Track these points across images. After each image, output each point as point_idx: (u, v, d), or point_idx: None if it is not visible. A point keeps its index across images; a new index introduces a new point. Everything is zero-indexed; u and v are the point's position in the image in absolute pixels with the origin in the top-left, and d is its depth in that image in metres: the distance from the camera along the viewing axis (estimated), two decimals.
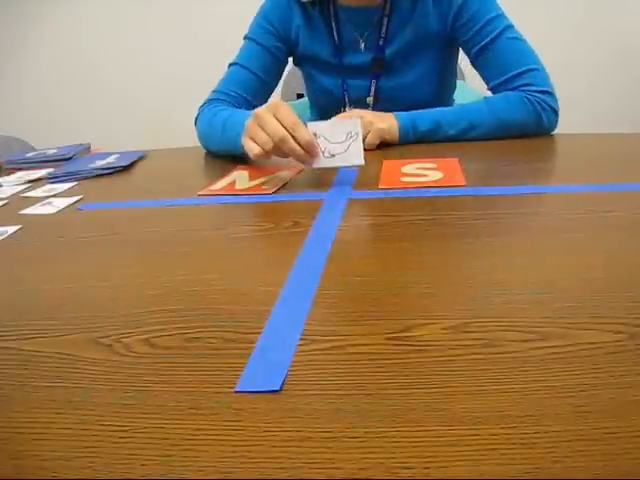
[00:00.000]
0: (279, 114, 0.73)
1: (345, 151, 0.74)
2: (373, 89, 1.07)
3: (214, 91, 1.05)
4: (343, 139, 0.74)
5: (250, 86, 1.04)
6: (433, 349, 0.37)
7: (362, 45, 1.05)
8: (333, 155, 0.74)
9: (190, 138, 1.07)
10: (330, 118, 0.97)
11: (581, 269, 0.47)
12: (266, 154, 0.75)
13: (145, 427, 0.32)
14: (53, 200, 0.80)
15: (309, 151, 0.74)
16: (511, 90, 0.95)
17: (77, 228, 0.68)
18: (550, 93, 0.95)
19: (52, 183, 0.90)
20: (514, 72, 0.95)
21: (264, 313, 0.43)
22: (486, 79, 1.00)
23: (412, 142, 0.95)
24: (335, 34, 1.05)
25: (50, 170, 0.98)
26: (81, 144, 1.16)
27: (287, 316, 0.42)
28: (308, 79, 1.16)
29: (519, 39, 0.96)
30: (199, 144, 1.04)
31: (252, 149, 0.76)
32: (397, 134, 0.94)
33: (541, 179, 0.76)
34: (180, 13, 2.31)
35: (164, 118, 2.28)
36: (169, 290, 0.49)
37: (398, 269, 0.50)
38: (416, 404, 0.32)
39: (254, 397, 0.33)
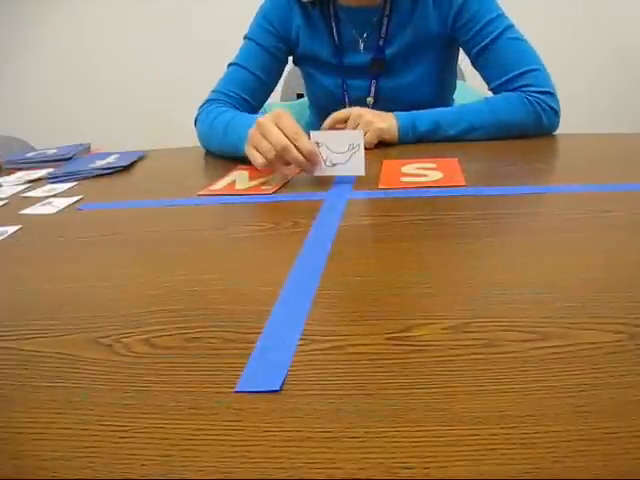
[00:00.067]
0: (281, 123, 0.74)
1: (347, 161, 0.75)
2: (373, 89, 1.07)
3: (213, 91, 1.05)
4: (345, 149, 0.74)
5: (249, 86, 1.05)
6: (433, 349, 0.37)
7: (362, 45, 1.05)
8: (334, 164, 0.75)
9: (190, 138, 1.07)
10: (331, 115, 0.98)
11: (581, 269, 0.47)
12: (269, 163, 0.76)
13: (145, 427, 0.32)
14: (53, 200, 0.80)
15: (311, 160, 0.74)
16: (512, 91, 0.95)
17: (77, 228, 0.68)
18: (551, 93, 0.94)
19: (52, 183, 0.90)
20: (515, 73, 0.95)
21: (264, 313, 0.43)
22: (487, 80, 1.00)
23: (411, 142, 0.95)
24: (335, 34, 1.05)
25: (50, 170, 0.98)
26: (81, 144, 1.16)
27: (287, 316, 0.42)
28: (308, 79, 1.16)
29: (520, 39, 0.96)
30: (199, 144, 1.04)
31: (256, 159, 0.77)
32: (396, 134, 0.95)
33: (541, 179, 0.76)
34: (180, 13, 2.31)
35: (164, 118, 2.28)
36: (169, 290, 0.49)
37: (398, 269, 0.50)
38: (416, 404, 0.32)
39: (254, 397, 0.33)
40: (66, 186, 0.87)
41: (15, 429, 0.32)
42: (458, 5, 0.97)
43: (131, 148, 1.10)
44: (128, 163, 0.97)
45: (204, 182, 0.82)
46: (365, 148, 0.75)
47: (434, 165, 0.80)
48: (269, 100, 1.13)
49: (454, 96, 1.22)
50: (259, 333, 0.40)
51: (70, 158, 1.07)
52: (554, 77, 0.96)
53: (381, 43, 1.03)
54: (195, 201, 0.75)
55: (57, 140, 1.34)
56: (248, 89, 1.04)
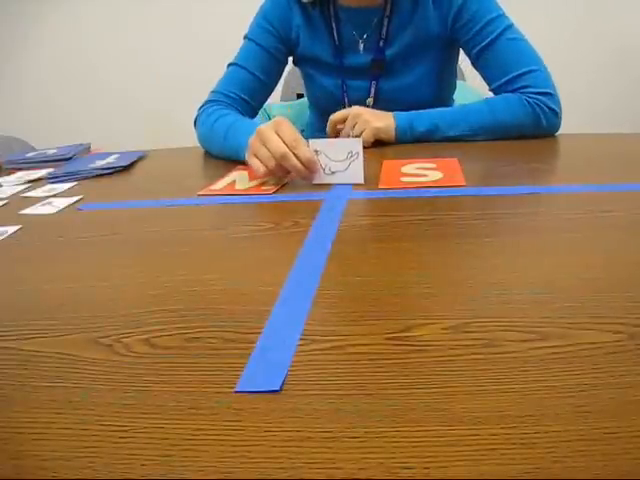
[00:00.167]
0: (281, 131, 0.75)
1: (345, 169, 0.75)
2: (373, 90, 1.07)
3: (213, 92, 1.05)
4: (344, 157, 0.75)
5: (249, 86, 1.05)
6: (433, 349, 0.37)
7: (362, 46, 1.05)
8: (333, 172, 0.76)
9: (190, 138, 1.07)
10: (330, 117, 0.98)
11: (581, 269, 0.47)
12: (270, 172, 0.76)
13: (145, 427, 0.32)
14: (53, 200, 0.80)
15: (309, 168, 0.75)
16: (511, 92, 0.95)
17: (77, 228, 0.68)
18: (551, 94, 0.94)
19: (52, 183, 0.90)
20: (514, 73, 0.95)
21: (264, 313, 0.43)
22: (487, 80, 1.00)
23: (409, 142, 0.95)
24: (335, 35, 1.05)
25: (50, 170, 0.98)
26: (81, 144, 1.16)
27: (287, 316, 0.42)
28: (308, 80, 1.16)
29: (520, 39, 0.96)
30: (199, 144, 1.04)
31: (258, 168, 0.77)
32: (394, 133, 0.95)
33: (541, 179, 0.76)
34: (180, 13, 2.31)
35: (164, 118, 2.28)
36: (169, 290, 0.49)
37: (398, 269, 0.50)
38: (416, 404, 0.32)
39: (254, 397, 0.33)
40: (66, 186, 0.87)
41: (15, 429, 0.32)
42: (458, 5, 0.97)
43: (131, 148, 1.10)
44: (128, 163, 0.97)
45: (204, 182, 0.82)
46: (363, 147, 0.75)
47: (434, 165, 0.80)
48: (269, 100, 1.13)
49: (454, 96, 1.22)
50: (259, 333, 0.40)
51: (70, 158, 1.07)
52: (554, 77, 0.96)
53: (381, 44, 1.03)
54: (195, 201, 0.75)
55: (57, 140, 1.34)
56: (248, 89, 1.04)
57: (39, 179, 0.94)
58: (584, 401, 0.31)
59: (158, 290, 0.49)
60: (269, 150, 0.74)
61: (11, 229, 0.68)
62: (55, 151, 1.12)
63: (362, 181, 0.75)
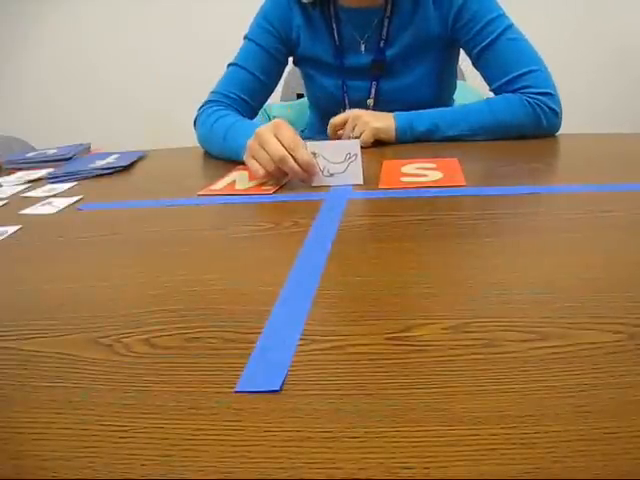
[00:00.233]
0: (279, 133, 0.75)
1: (344, 171, 0.75)
2: (373, 91, 1.07)
3: (213, 92, 1.05)
4: (342, 159, 0.75)
5: (249, 87, 1.04)
6: (433, 349, 0.37)
7: (362, 47, 1.05)
8: (332, 174, 0.76)
9: (190, 138, 1.07)
10: (330, 119, 0.98)
11: (581, 269, 0.47)
12: (268, 174, 0.76)
13: (145, 427, 0.32)
14: (53, 200, 0.80)
15: (308, 171, 0.74)
16: (512, 92, 0.95)
17: (77, 228, 0.68)
18: (551, 94, 0.94)
19: (52, 183, 0.90)
20: (515, 74, 0.95)
21: (264, 313, 0.43)
22: (488, 80, 1.00)
23: (410, 142, 0.95)
24: (336, 35, 1.05)
25: (50, 170, 0.98)
26: (81, 144, 1.16)
27: (287, 316, 0.42)
28: (308, 80, 1.16)
29: (520, 39, 0.96)
30: (199, 144, 1.04)
31: (257, 170, 0.77)
32: (393, 134, 0.95)
33: (541, 179, 0.77)
34: (180, 13, 2.31)
35: (164, 118, 2.28)
36: (169, 290, 0.49)
37: (398, 269, 0.50)
38: (416, 404, 0.32)
39: (254, 397, 0.33)
40: (66, 186, 0.87)
41: (15, 429, 0.32)
42: (458, 5, 0.97)
43: (131, 148, 1.10)
44: (128, 163, 0.97)
45: (204, 182, 0.82)
46: (362, 147, 0.75)
47: (434, 165, 0.80)
48: (269, 100, 1.13)
49: (454, 96, 1.22)
50: (259, 333, 0.40)
51: (70, 158, 1.07)
52: (554, 77, 0.96)
53: (382, 45, 1.03)
54: (195, 201, 0.75)
55: (57, 140, 1.34)
56: (247, 90, 1.04)
57: (39, 179, 0.94)
58: (584, 401, 0.31)
59: (158, 290, 0.49)
60: (267, 153, 0.74)
61: (11, 229, 0.68)
62: (55, 151, 1.12)
63: (361, 182, 0.75)
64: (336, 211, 0.65)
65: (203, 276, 0.51)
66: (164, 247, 0.59)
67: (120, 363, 0.38)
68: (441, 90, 1.11)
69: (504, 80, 0.96)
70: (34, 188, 0.88)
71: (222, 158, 0.94)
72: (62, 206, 0.76)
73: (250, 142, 0.78)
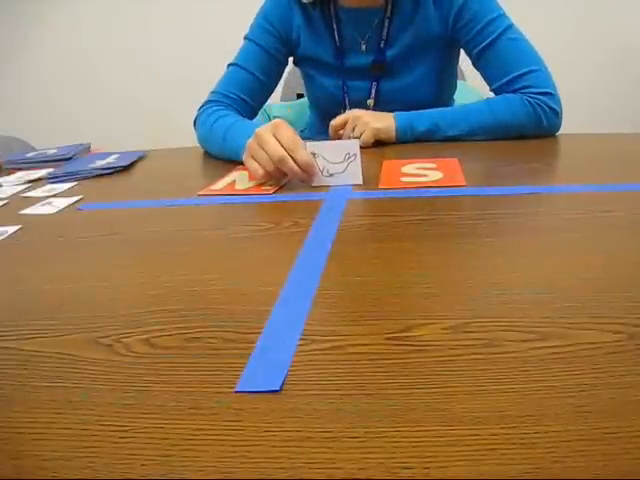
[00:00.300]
0: (279, 134, 0.75)
1: (343, 171, 0.75)
2: (374, 91, 1.07)
3: (213, 92, 1.05)
4: (341, 159, 0.75)
5: (248, 87, 1.04)
6: (433, 349, 0.37)
7: (363, 47, 1.05)
8: (331, 174, 0.76)
9: (190, 138, 1.07)
10: (331, 120, 0.98)
11: (581, 269, 0.47)
12: (268, 174, 0.76)
13: (145, 427, 0.32)
14: (53, 200, 0.80)
15: (307, 171, 0.74)
16: (512, 92, 0.95)
17: (77, 228, 0.68)
18: (551, 94, 0.94)
19: (52, 183, 0.90)
20: (515, 74, 0.95)
21: (264, 313, 0.43)
22: (488, 81, 1.00)
23: (410, 142, 0.95)
24: (336, 35, 1.05)
25: (50, 170, 0.98)
26: (81, 144, 1.16)
27: (287, 316, 0.42)
28: (308, 80, 1.15)
29: (520, 39, 0.96)
30: (199, 144, 1.04)
31: (256, 170, 0.77)
32: (394, 134, 0.95)
33: (541, 179, 0.77)
34: (180, 13, 2.31)
35: (164, 118, 2.28)
36: (169, 290, 0.49)
37: (398, 269, 0.50)
38: (416, 404, 0.32)
39: (254, 397, 0.33)
40: (66, 186, 0.87)
41: (15, 429, 0.32)
42: (458, 5, 0.97)
43: (131, 148, 1.10)
44: (128, 163, 0.97)
45: (204, 182, 0.82)
46: (363, 147, 0.75)
47: (434, 165, 0.80)
48: (269, 100, 1.13)
49: (454, 96, 1.22)
50: (259, 333, 0.40)
51: (70, 158, 1.07)
52: (554, 77, 0.96)
53: (382, 45, 1.03)
54: (195, 201, 0.75)
55: (57, 140, 1.34)
56: (247, 90, 1.04)
57: (39, 179, 0.94)
58: (584, 401, 0.31)
59: (158, 290, 0.49)
60: (267, 153, 0.74)
61: (11, 229, 0.68)
62: (55, 151, 1.12)
63: (361, 182, 0.75)
64: (336, 211, 0.65)
65: (203, 276, 0.51)
66: (164, 247, 0.59)
67: (120, 363, 0.38)
68: (441, 90, 1.11)
69: (504, 80, 0.96)
70: (34, 188, 0.88)
71: (222, 158, 0.94)
72: (62, 206, 0.76)
73: (249, 142, 0.78)
